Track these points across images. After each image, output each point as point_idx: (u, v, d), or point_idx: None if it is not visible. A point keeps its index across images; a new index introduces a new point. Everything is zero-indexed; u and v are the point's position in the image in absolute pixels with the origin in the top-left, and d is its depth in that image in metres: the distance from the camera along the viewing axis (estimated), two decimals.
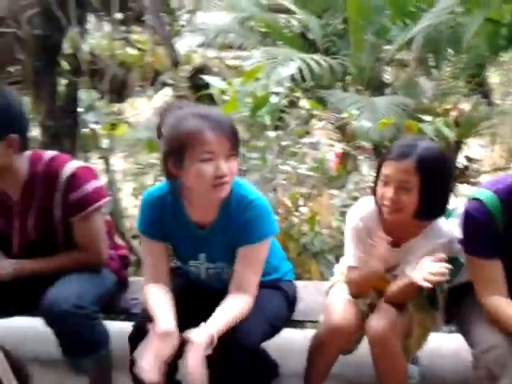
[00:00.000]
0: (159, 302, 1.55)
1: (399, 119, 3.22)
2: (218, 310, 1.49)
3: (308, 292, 1.98)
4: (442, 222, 1.64)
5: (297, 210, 2.61)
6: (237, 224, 1.55)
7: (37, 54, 2.58)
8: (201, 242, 1.61)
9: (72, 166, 1.78)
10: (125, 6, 2.52)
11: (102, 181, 2.04)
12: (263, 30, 4.42)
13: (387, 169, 1.54)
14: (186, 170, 1.46)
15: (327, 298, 1.77)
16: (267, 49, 3.75)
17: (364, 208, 1.68)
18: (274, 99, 2.31)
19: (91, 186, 1.78)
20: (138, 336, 1.51)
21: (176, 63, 2.38)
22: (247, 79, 2.36)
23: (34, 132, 3.38)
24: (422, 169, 1.50)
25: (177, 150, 1.45)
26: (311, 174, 2.67)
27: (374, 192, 1.62)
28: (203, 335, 1.40)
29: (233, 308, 1.51)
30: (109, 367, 1.78)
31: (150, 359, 1.41)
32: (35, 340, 2.28)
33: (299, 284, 1.91)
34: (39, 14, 2.51)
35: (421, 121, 2.99)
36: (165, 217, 1.60)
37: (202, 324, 1.44)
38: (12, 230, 1.83)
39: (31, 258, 1.82)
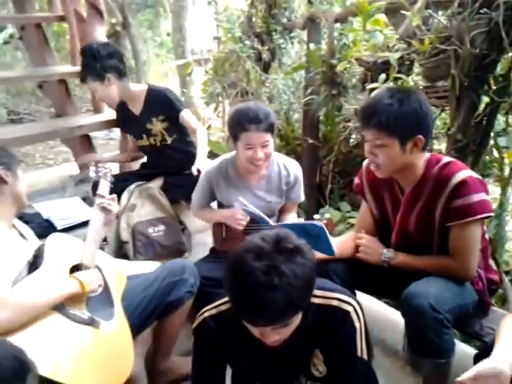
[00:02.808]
0: (506, 335, 1.42)
1: None
2: None
3: None
4: None
5: None
6: None
7: (469, 71, 2.68)
8: None
9: (464, 174, 1.80)
10: None
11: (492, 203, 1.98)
12: None
13: None
14: None
15: None
16: None
17: None
18: None
19: (477, 197, 1.76)
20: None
21: None
22: None
23: (440, 143, 3.55)
24: None
25: None
26: None
27: None
28: None
29: None
30: (445, 376, 1.79)
31: None
32: (383, 326, 2.49)
33: None
34: (483, 34, 2.58)
35: None
36: None
37: None
38: (394, 221, 2.02)
39: (405, 251, 1.98)
